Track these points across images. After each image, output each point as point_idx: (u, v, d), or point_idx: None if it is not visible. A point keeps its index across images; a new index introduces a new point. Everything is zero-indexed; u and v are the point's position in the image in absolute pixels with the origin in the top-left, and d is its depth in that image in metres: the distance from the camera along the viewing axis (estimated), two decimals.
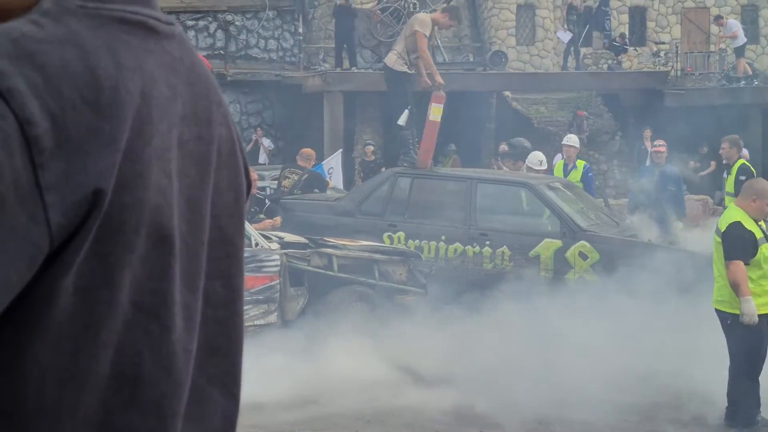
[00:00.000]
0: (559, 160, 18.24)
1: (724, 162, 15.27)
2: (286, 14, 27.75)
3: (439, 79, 14.65)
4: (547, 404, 9.26)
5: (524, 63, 29.87)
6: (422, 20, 15.09)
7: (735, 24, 28.56)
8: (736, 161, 14.91)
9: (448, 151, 23.75)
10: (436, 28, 14.95)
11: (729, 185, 14.75)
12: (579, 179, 16.59)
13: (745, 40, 28.65)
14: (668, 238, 14.64)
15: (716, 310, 9.23)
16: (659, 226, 14.81)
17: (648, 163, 18.66)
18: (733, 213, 9.30)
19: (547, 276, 13.32)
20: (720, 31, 29.13)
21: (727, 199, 14.81)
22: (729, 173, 14.84)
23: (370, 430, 9.06)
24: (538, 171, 16.21)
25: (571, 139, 17.21)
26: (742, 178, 14.48)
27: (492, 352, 10.32)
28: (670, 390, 10.02)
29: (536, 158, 16.58)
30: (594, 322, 10.66)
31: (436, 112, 14.59)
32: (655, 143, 16.75)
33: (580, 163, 16.77)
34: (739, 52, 28.33)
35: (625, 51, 28.44)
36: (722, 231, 9.17)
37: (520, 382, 9.48)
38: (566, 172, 16.89)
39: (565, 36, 27.53)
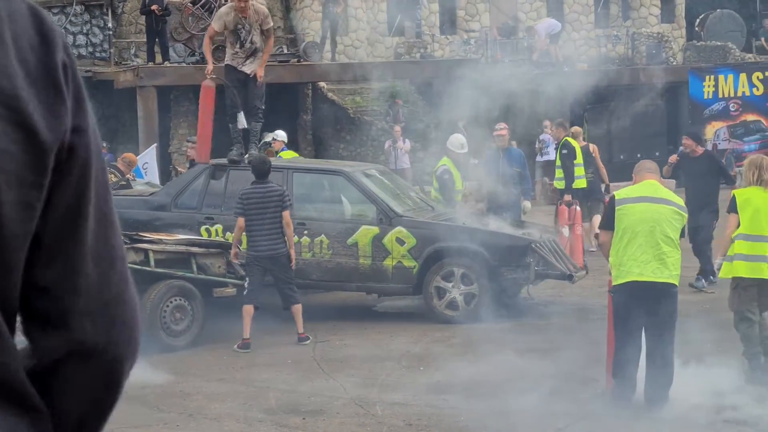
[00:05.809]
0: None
1: (554, 142, 16.63)
2: (94, 9, 27.14)
3: (208, 69, 14.50)
4: None
5: (338, 54, 29.97)
6: (218, 14, 14.71)
7: (542, 27, 29.34)
8: (563, 138, 16.97)
9: (265, 144, 23.65)
10: (236, 14, 14.23)
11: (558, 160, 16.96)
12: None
13: (559, 26, 29.48)
14: (517, 219, 15.00)
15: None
16: (508, 208, 15.15)
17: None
18: None
19: (366, 263, 13.47)
20: (536, 41, 29.78)
21: (558, 172, 16.91)
22: (556, 149, 16.92)
23: None
24: (458, 153, 15.52)
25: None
26: (565, 152, 16.66)
27: None
28: None
29: (458, 141, 15.61)
30: None
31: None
32: (496, 127, 16.24)
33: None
34: (554, 39, 29.24)
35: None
36: None
37: None
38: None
39: None
